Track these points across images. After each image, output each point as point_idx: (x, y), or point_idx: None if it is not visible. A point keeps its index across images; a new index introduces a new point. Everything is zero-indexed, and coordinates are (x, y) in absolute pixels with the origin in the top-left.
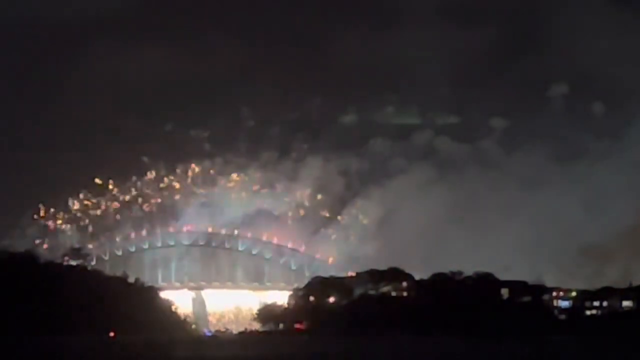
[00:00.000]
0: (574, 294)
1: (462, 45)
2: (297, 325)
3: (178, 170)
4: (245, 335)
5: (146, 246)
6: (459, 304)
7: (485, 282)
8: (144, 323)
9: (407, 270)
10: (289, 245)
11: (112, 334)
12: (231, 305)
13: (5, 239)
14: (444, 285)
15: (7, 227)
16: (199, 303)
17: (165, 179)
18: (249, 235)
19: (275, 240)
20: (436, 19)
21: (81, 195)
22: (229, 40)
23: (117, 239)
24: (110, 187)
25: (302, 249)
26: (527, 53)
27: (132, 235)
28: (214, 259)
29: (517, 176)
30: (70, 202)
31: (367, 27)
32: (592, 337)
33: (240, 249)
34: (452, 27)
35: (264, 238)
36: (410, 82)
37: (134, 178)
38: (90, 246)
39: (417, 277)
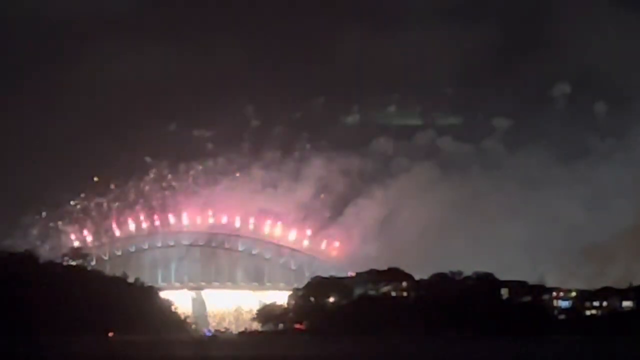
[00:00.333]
0: (574, 294)
1: (464, 45)
2: (297, 325)
3: (180, 170)
4: (245, 335)
5: (146, 246)
6: (459, 304)
7: (485, 282)
8: (143, 323)
9: (410, 270)
10: (290, 245)
11: (111, 334)
12: (231, 305)
13: (6, 239)
14: (444, 285)
15: (9, 227)
16: (199, 303)
17: (168, 179)
18: (249, 235)
19: (276, 241)
20: (439, 19)
21: (83, 195)
22: (232, 40)
23: (118, 239)
24: (112, 187)
25: (303, 249)
26: (529, 53)
27: (134, 235)
28: (214, 259)
29: (519, 176)
30: (72, 202)
31: (370, 27)
32: (592, 337)
33: (240, 249)
34: (455, 27)
35: (265, 238)
36: (413, 82)
37: (136, 178)
38: (90, 246)
39: (418, 277)
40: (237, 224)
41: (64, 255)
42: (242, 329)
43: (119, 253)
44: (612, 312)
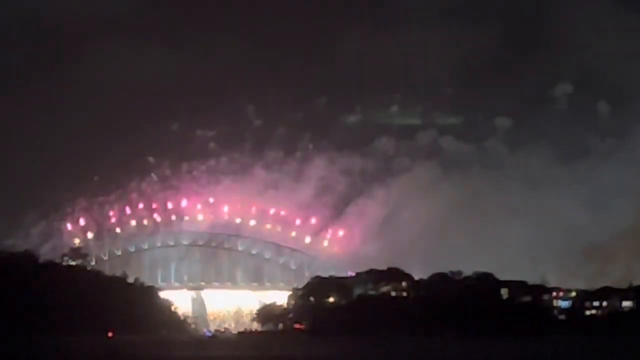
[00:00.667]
0: (573, 294)
1: (466, 45)
2: (296, 325)
3: (182, 170)
4: (245, 335)
5: (146, 246)
6: (459, 304)
7: (485, 282)
8: (143, 323)
9: (411, 270)
10: (291, 245)
11: (110, 334)
12: (231, 305)
13: (7, 239)
14: (443, 285)
15: (10, 227)
16: (199, 303)
17: (169, 179)
18: (250, 235)
19: (278, 241)
20: (441, 18)
21: (84, 195)
22: (234, 40)
23: (118, 239)
24: (114, 186)
25: (303, 249)
26: (531, 53)
27: (134, 235)
28: (214, 259)
29: (521, 176)
30: (72, 202)
31: (372, 27)
32: (592, 337)
33: (240, 248)
34: (457, 27)
35: (266, 238)
36: (415, 82)
37: (137, 178)
38: (90, 246)
39: (419, 276)
40: (238, 223)
41: (64, 255)
42: (242, 329)
43: (119, 253)
44: (612, 312)
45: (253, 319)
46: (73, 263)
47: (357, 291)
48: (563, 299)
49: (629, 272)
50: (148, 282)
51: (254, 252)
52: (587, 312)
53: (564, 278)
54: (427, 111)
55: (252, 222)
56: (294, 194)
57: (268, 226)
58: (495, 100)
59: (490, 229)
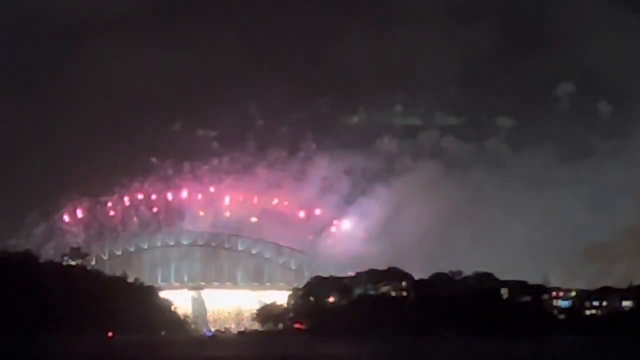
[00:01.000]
0: (574, 294)
1: (468, 45)
2: (297, 325)
3: (184, 170)
4: (245, 335)
5: (146, 246)
6: (459, 304)
7: (485, 282)
8: (143, 323)
9: (414, 270)
10: (293, 245)
11: (110, 334)
12: (231, 305)
13: (8, 239)
14: (443, 285)
15: (10, 227)
16: (199, 303)
17: (171, 179)
18: (250, 235)
19: (280, 240)
20: (443, 18)
21: (86, 195)
22: (237, 40)
23: (118, 239)
24: (116, 186)
25: (304, 249)
26: (533, 53)
27: (139, 235)
28: (214, 259)
29: (523, 176)
30: (76, 202)
31: (375, 27)
32: (592, 337)
33: (240, 248)
34: (459, 27)
35: (268, 238)
36: (417, 82)
37: (139, 178)
38: (91, 246)
39: (421, 276)
40: (239, 223)
41: (64, 255)
42: (242, 329)
43: (119, 253)
44: (612, 312)
45: (253, 319)
46: (73, 263)
47: (357, 291)
48: (563, 298)
49: (632, 272)
50: (148, 282)
51: (254, 252)
52: (587, 312)
53: (566, 278)
54: (429, 111)
55: (253, 222)
56: (296, 194)
57: (269, 226)
58: (497, 100)
59: (492, 228)
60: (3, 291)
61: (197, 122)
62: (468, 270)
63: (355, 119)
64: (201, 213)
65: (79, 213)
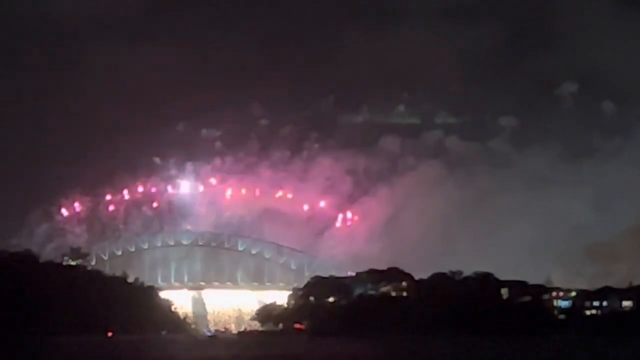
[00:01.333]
0: (573, 294)
1: (471, 45)
2: (296, 325)
3: (188, 169)
4: (245, 335)
5: (146, 246)
6: (459, 304)
7: (485, 282)
8: (143, 323)
9: (415, 270)
10: (294, 245)
11: (110, 334)
12: (231, 305)
13: (8, 238)
14: (444, 285)
15: (11, 227)
16: (199, 303)
17: (175, 178)
18: (251, 235)
19: (281, 240)
20: (446, 18)
21: (90, 195)
22: (241, 40)
23: (120, 239)
24: (120, 186)
25: (305, 249)
26: (536, 52)
27: (141, 234)
28: (214, 259)
29: (526, 175)
30: (78, 202)
31: (378, 27)
32: (592, 337)
33: (240, 249)
34: (462, 27)
35: (270, 238)
36: (421, 81)
37: (141, 178)
38: (92, 246)
39: (424, 275)
40: (240, 223)
41: (64, 255)
42: (242, 329)
43: (119, 253)
44: (612, 312)
45: (253, 319)
46: (73, 263)
47: (357, 291)
48: (563, 298)
49: (634, 272)
50: (148, 282)
51: (254, 252)
52: (587, 312)
53: (568, 278)
54: (432, 110)
55: (255, 222)
56: (299, 194)
57: (270, 226)
58: (500, 100)
59: (494, 228)
60: (3, 291)
61: (201, 122)
62: (470, 270)
63: (358, 119)
64: (203, 213)
65: (81, 213)
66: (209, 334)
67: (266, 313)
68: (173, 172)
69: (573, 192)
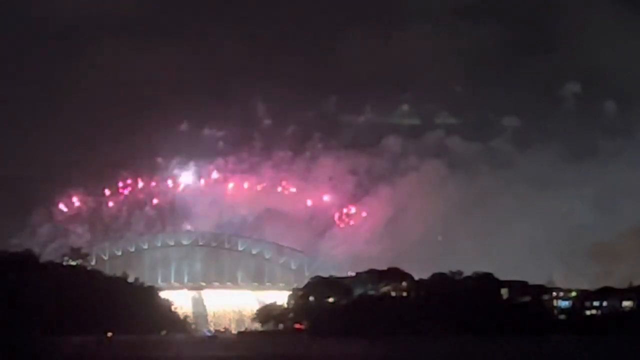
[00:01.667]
0: (574, 294)
1: (474, 45)
2: (297, 325)
3: (191, 169)
4: (245, 335)
5: (146, 246)
6: (459, 304)
7: (485, 282)
8: (143, 323)
9: (416, 270)
10: (295, 245)
11: (109, 334)
12: (231, 305)
13: (9, 238)
14: (444, 285)
15: (11, 227)
16: (199, 303)
17: (178, 178)
18: (252, 235)
19: (281, 240)
20: (449, 18)
21: (92, 195)
22: (244, 40)
23: (121, 239)
24: (122, 186)
25: (307, 249)
26: (539, 52)
27: (143, 234)
28: (214, 259)
29: (528, 175)
30: (80, 202)
31: (381, 27)
32: (592, 337)
33: (240, 249)
34: (464, 27)
35: (271, 238)
36: (423, 81)
37: (146, 178)
38: (92, 246)
39: (424, 275)
40: (241, 223)
41: (64, 255)
42: (242, 328)
43: (119, 253)
44: (612, 312)
45: (253, 319)
46: (73, 263)
47: (357, 291)
48: (563, 299)
49: (636, 272)
50: (148, 282)
51: (254, 252)
52: (587, 312)
53: (570, 278)
54: (434, 110)
55: (256, 222)
56: (301, 193)
57: (271, 226)
58: (502, 100)
59: (496, 228)
60: (3, 291)
61: (204, 122)
62: (472, 270)
63: (361, 119)
64: (205, 213)
65: (83, 212)
66: (209, 334)
67: (266, 313)
68: (175, 171)
69: (575, 192)
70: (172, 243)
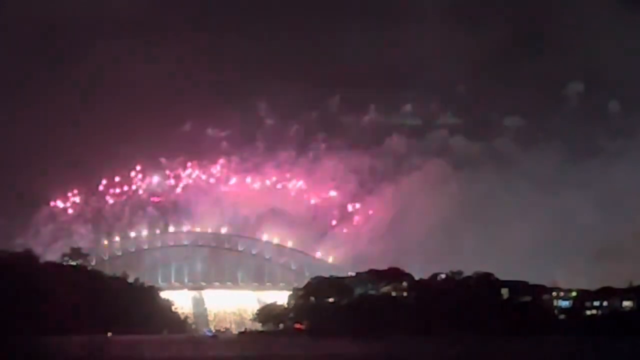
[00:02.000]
0: (574, 294)
1: (477, 45)
2: (297, 326)
3: (194, 170)
4: (245, 335)
5: (146, 246)
6: (459, 304)
7: (486, 282)
8: (144, 323)
9: (418, 270)
10: (297, 245)
11: (109, 334)
12: (231, 305)
13: (9, 238)
14: (444, 285)
15: (12, 226)
16: (200, 303)
17: (179, 178)
18: (253, 235)
19: (284, 241)
20: (452, 18)
21: (95, 195)
22: (247, 40)
23: (119, 239)
24: (125, 186)
25: (308, 249)
26: (542, 52)
27: (146, 234)
28: (214, 259)
29: (531, 175)
30: (83, 202)
31: (385, 28)
32: (592, 337)
33: (240, 249)
34: (468, 27)
35: (274, 238)
36: (427, 81)
37: (149, 177)
38: (92, 246)
39: (425, 275)
40: (242, 223)
41: (65, 255)
42: (242, 328)
43: (120, 253)
44: (612, 312)
45: (253, 319)
46: (73, 263)
47: (358, 291)
48: (563, 299)
49: (637, 272)
50: (149, 283)
51: (254, 252)
52: (587, 312)
53: (574, 278)
54: (438, 110)
55: (258, 222)
56: (304, 193)
57: (278, 226)
58: (505, 100)
59: (499, 228)
60: (3, 291)
61: (207, 122)
62: (475, 270)
63: (364, 119)
64: (207, 212)
65: (86, 213)
66: (209, 334)
67: (266, 313)
68: (178, 171)
69: (578, 192)
70: (172, 243)
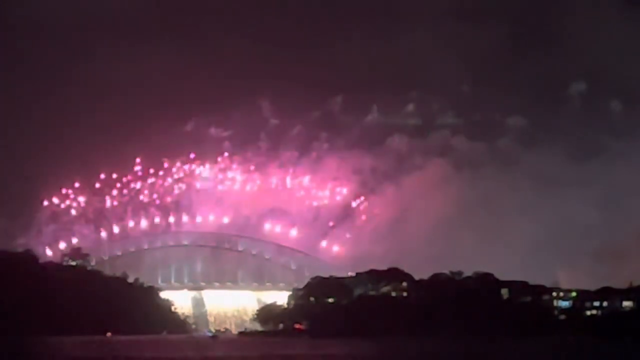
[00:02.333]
0: (574, 294)
1: (479, 44)
2: (297, 326)
3: (196, 169)
4: (245, 335)
5: (146, 246)
6: (459, 304)
7: (486, 282)
8: (144, 323)
9: (418, 270)
10: (298, 245)
11: (109, 334)
12: (231, 305)
13: (9, 239)
14: (444, 285)
15: (12, 226)
16: (199, 303)
17: (181, 178)
18: (253, 235)
19: (283, 241)
20: (454, 18)
21: (96, 196)
22: (250, 41)
23: (120, 239)
24: (127, 186)
25: (304, 249)
26: (545, 51)
27: (148, 234)
28: (214, 259)
29: (533, 175)
30: (84, 203)
31: (387, 28)
32: (592, 337)
33: (240, 249)
34: (470, 27)
35: (267, 238)
36: (429, 81)
37: (151, 178)
38: (92, 246)
39: (426, 275)
40: (243, 223)
41: (65, 255)
42: (242, 329)
43: (120, 253)
44: (612, 312)
45: (253, 319)
46: (73, 263)
47: (358, 291)
48: (563, 299)
49: (637, 272)
50: (148, 283)
51: (254, 252)
52: (587, 312)
53: (576, 278)
54: (440, 110)
55: (259, 222)
56: (307, 193)
57: (273, 226)
58: (508, 100)
59: (501, 227)
60: (3, 291)
61: (210, 122)
62: (473, 270)
63: (366, 119)
64: (206, 217)
65: (88, 213)
66: (209, 334)
67: (266, 313)
68: (181, 171)
69: (580, 192)
70: (172, 243)
